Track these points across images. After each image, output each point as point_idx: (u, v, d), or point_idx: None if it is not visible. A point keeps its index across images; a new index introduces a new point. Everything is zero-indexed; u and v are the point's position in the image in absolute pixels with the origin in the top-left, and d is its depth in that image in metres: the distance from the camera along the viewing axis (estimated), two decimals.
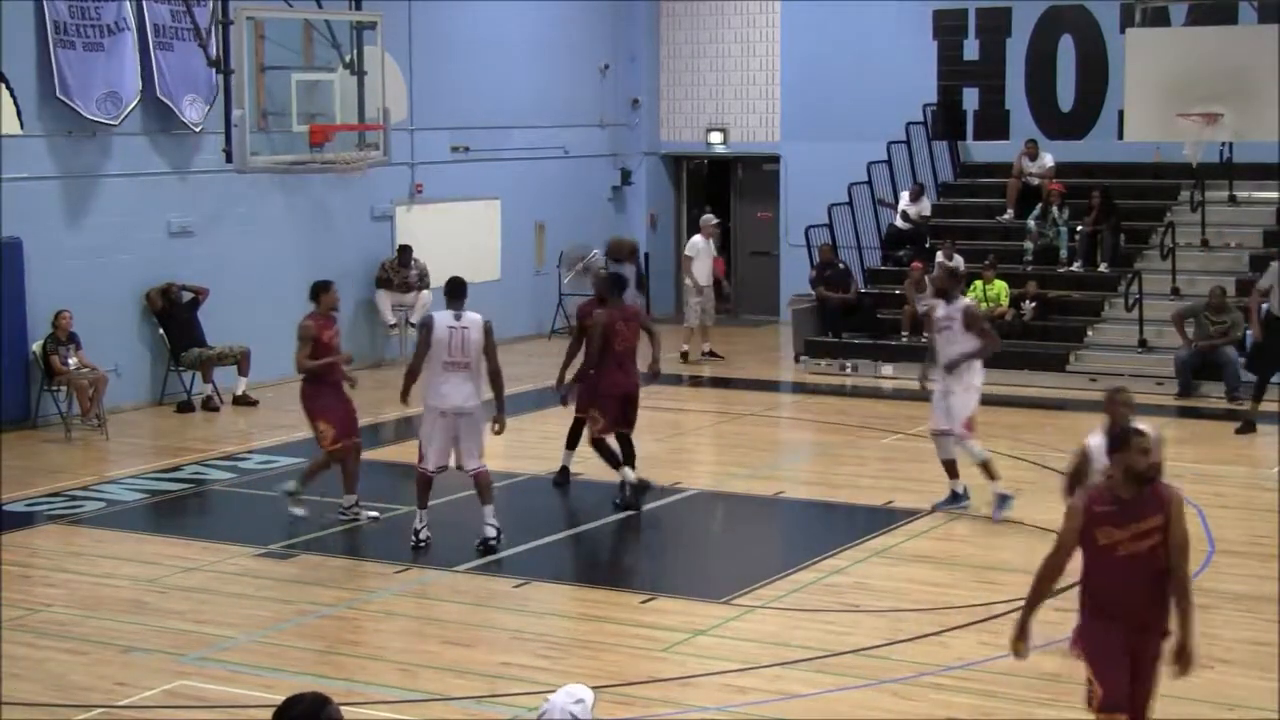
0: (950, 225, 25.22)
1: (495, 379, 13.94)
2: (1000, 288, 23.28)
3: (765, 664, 11.14)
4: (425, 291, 24.00)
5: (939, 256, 24.09)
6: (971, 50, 26.92)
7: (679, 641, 11.66)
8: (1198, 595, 12.38)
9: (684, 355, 24.41)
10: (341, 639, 11.81)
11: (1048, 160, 24.86)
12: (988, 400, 18.18)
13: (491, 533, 13.97)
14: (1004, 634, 11.61)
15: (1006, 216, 24.99)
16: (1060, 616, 11.98)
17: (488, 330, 13.82)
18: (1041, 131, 25.76)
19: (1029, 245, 24.29)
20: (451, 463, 14.04)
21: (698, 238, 24.83)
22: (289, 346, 15.30)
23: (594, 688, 10.04)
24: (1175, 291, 22.64)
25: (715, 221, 25.52)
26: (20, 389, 19.43)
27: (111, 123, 20.22)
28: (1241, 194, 24.11)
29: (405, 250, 24.21)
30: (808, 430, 20.34)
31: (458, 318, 13.80)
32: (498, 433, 14.07)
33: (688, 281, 24.75)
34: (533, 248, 27.19)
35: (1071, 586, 12.65)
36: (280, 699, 6.32)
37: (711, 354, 24.92)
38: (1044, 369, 22.02)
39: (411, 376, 13.99)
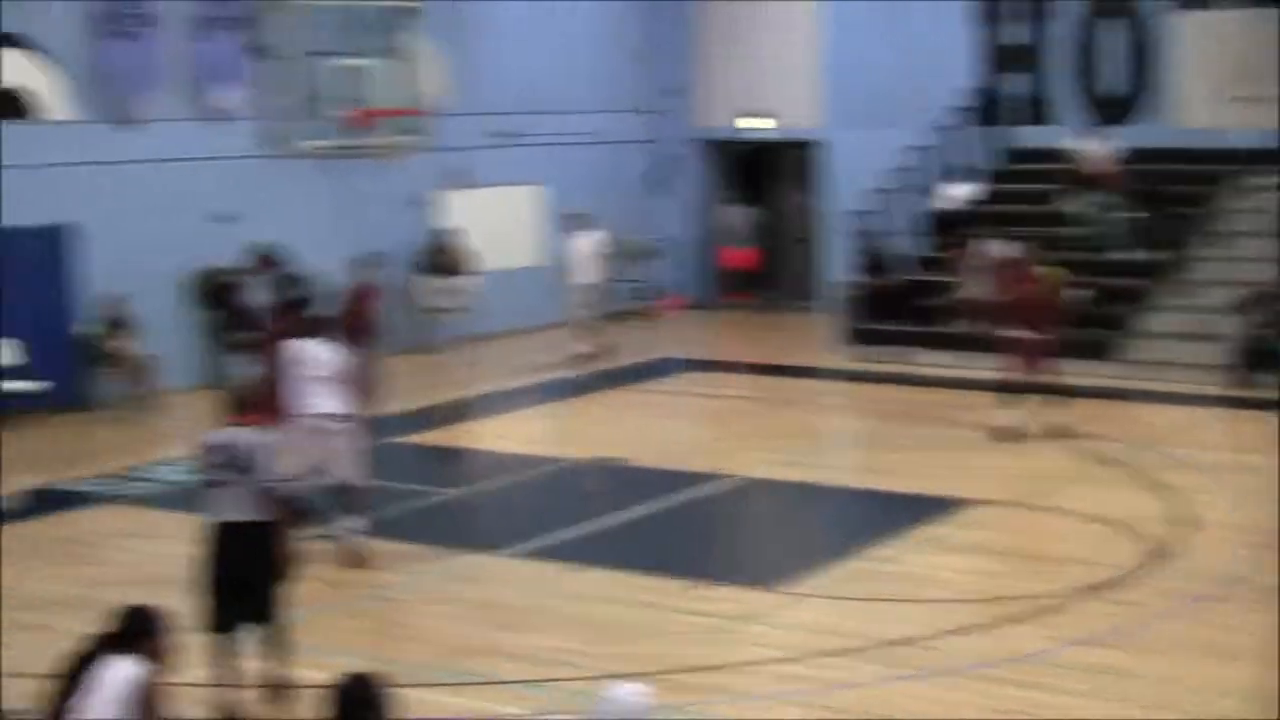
0: (997, 211, 25.05)
1: None
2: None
3: (815, 652, 11.09)
4: (464, 276, 23.99)
5: (982, 243, 23.96)
6: (1018, 35, 26.73)
7: (727, 629, 11.63)
8: (1239, 587, 12.40)
9: (578, 356, 23.22)
10: (392, 621, 11.83)
11: (1109, 145, 24.57)
12: (1030, 388, 18.18)
13: None
14: (1057, 625, 11.59)
15: (1063, 204, 24.64)
16: (1115, 609, 11.96)
17: None
18: (1090, 117, 25.53)
19: (1078, 232, 24.08)
20: None
21: (572, 233, 23.85)
22: None
23: (643, 674, 10.07)
24: (1229, 279, 22.42)
25: (570, 211, 24.11)
26: (74, 372, 19.59)
27: (140, 115, 20.30)
28: None
29: (444, 235, 24.20)
30: (853, 417, 20.26)
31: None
32: None
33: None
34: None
35: (1121, 579, 12.62)
36: (331, 679, 6.33)
37: (588, 355, 23.30)
38: (1095, 357, 21.83)
39: None
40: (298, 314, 14.15)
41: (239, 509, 9.88)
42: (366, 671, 6.53)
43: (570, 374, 22.33)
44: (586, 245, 23.38)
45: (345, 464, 13.28)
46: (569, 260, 23.55)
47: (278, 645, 10.13)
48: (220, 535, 9.98)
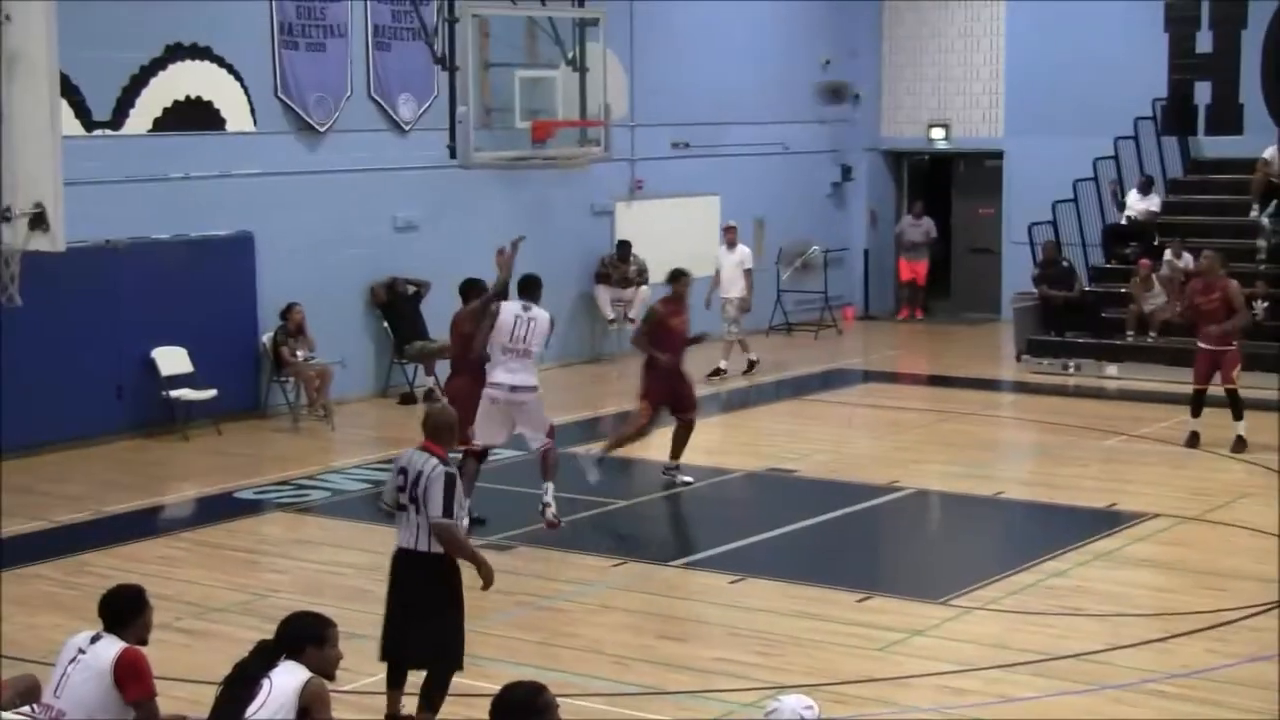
0: (1180, 223, 24.64)
1: None
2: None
3: (983, 666, 11.00)
4: (644, 287, 24.06)
5: (1167, 254, 23.58)
6: (1205, 42, 26.24)
7: (895, 641, 11.56)
8: None
9: (716, 371, 22.58)
10: (558, 631, 11.89)
11: None
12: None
13: None
14: (1232, 642, 11.39)
15: (1253, 214, 24.14)
16: None
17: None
18: (1277, 126, 24.99)
19: (1261, 243, 23.60)
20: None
21: (722, 246, 23.57)
22: None
23: (809, 686, 10.06)
24: None
25: (729, 225, 23.77)
26: (250, 379, 19.94)
27: (320, 126, 20.60)
28: None
29: (625, 245, 24.32)
30: (1029, 430, 20.05)
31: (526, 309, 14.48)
32: None
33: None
34: (752, 244, 27.06)
35: None
36: (496, 688, 6.38)
37: (750, 366, 23.07)
38: (1275, 370, 21.38)
39: None
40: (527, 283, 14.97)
41: (412, 536, 9.69)
42: (531, 681, 6.56)
43: (710, 390, 22.22)
44: (732, 259, 23.27)
45: (533, 431, 14.25)
46: (719, 273, 23.34)
47: (428, 692, 9.75)
48: (395, 561, 9.90)
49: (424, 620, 9.69)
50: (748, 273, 23.22)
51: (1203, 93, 26.28)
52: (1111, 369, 22.79)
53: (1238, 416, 17.73)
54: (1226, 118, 26.01)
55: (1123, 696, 10.41)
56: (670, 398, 16.29)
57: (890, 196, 29.77)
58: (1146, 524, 14.70)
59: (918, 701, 10.43)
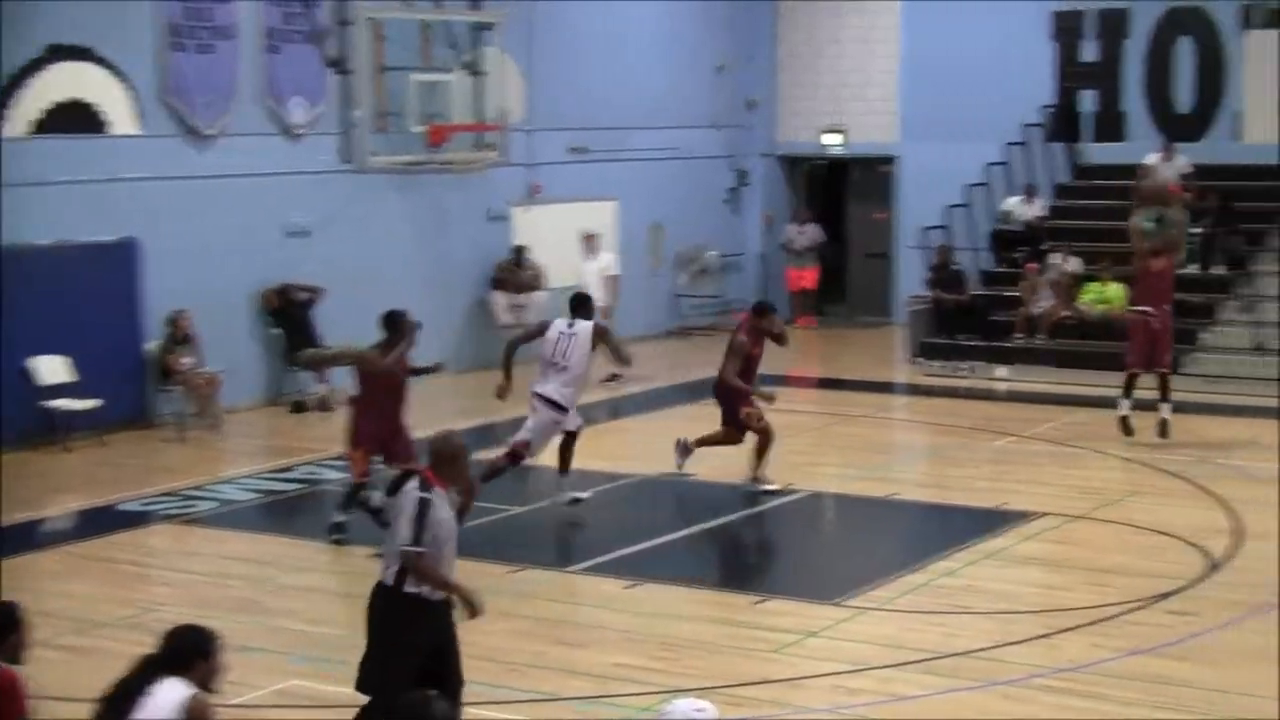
0: (1067, 227, 24.96)
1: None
2: (1116, 290, 22.96)
3: (876, 665, 11.10)
4: (540, 292, 24.03)
5: (1053, 258, 23.87)
6: (1090, 52, 26.62)
7: (790, 643, 11.64)
8: None
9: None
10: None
11: (1182, 163, 24.39)
12: (1096, 402, 18.14)
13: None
14: (1116, 636, 11.57)
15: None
16: (1173, 620, 11.93)
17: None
18: (1159, 133, 25.42)
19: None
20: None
21: (583, 254, 23.59)
22: None
23: (706, 689, 10.09)
24: None
25: (589, 233, 23.81)
26: (136, 388, 19.62)
27: (212, 129, 20.37)
28: None
29: (521, 251, 24.27)
30: (921, 432, 20.24)
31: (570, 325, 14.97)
32: None
33: None
34: (649, 249, 27.16)
35: (1180, 590, 12.58)
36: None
37: (612, 377, 21.92)
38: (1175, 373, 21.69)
39: None
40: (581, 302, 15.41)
41: (383, 563, 9.10)
42: (423, 690, 6.53)
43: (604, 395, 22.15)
44: (594, 267, 23.27)
45: (536, 437, 15.05)
46: (581, 282, 23.29)
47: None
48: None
49: (371, 649, 9.09)
50: (612, 279, 23.24)
51: (1088, 100, 26.66)
52: (1002, 371, 23.04)
53: (1165, 398, 17.95)
54: (1110, 125, 26.41)
55: (1011, 692, 10.55)
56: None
57: (786, 202, 29.88)
58: (1035, 523, 14.89)
59: (811, 702, 10.50)
